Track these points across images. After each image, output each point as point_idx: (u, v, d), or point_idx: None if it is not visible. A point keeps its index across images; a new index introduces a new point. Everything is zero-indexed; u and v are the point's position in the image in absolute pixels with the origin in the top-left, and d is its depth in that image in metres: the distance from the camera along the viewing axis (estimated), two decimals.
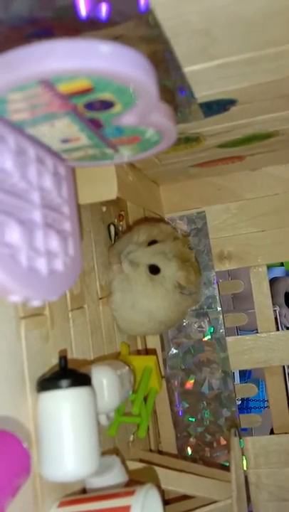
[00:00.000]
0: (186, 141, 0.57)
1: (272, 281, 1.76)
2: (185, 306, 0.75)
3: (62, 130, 0.32)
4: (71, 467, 0.44)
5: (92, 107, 0.29)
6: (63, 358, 0.48)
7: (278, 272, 1.94)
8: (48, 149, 0.36)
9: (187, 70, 0.39)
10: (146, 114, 0.30)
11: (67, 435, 0.44)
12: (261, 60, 0.39)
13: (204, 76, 0.41)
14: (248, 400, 1.59)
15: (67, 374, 0.47)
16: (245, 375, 1.66)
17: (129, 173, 0.64)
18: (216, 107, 0.49)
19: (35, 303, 0.33)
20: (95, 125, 0.32)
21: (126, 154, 0.39)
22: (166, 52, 0.35)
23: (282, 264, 1.96)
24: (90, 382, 0.48)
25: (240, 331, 1.36)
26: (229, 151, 0.67)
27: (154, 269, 0.69)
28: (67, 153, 0.38)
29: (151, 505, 0.46)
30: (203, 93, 0.45)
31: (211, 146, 0.64)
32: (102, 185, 0.56)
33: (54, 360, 0.51)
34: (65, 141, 0.35)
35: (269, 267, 0.88)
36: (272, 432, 1.06)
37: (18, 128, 0.31)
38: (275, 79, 0.44)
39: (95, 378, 0.53)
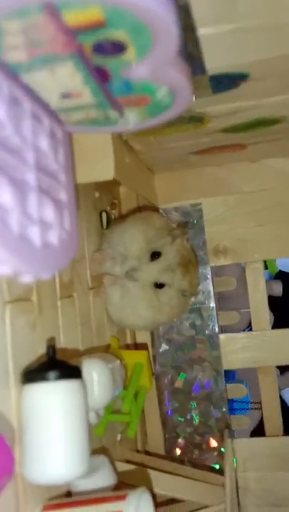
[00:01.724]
0: (190, 120, 0.53)
1: None
2: (187, 304, 0.75)
3: (63, 80, 0.28)
4: (59, 468, 0.40)
5: (101, 50, 0.25)
6: (51, 347, 0.44)
7: None
8: (45, 107, 0.32)
9: (202, 32, 0.36)
10: (161, 67, 0.26)
11: (55, 433, 0.40)
12: (282, 28, 0.36)
13: (218, 42, 0.37)
14: (232, 401, 1.56)
15: (55, 365, 0.42)
16: (229, 377, 1.63)
17: (126, 155, 0.60)
18: (226, 82, 0.45)
19: (26, 278, 0.29)
20: (102, 76, 0.28)
21: (132, 120, 0.35)
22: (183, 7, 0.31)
23: (266, 268, 1.94)
24: (81, 375, 0.44)
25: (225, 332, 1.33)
26: (232, 136, 0.64)
27: (160, 285, 0.66)
28: (67, 113, 0.34)
29: (144, 510, 0.42)
30: (214, 64, 0.41)
31: (214, 130, 0.60)
32: (98, 165, 0.53)
33: (41, 351, 0.47)
34: (65, 95, 0.31)
35: None
36: (252, 435, 1.03)
37: (12, 74, 0.27)
38: None
39: (84, 372, 0.49)
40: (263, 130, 0.62)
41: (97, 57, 0.26)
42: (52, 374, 0.41)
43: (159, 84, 0.29)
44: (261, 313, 0.84)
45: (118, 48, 0.25)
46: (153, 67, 0.26)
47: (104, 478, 0.50)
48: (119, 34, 0.24)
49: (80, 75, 0.28)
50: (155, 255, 0.66)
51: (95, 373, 0.50)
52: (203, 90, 0.47)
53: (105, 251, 0.68)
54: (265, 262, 1.95)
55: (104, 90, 0.30)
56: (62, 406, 0.41)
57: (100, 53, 0.25)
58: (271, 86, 0.48)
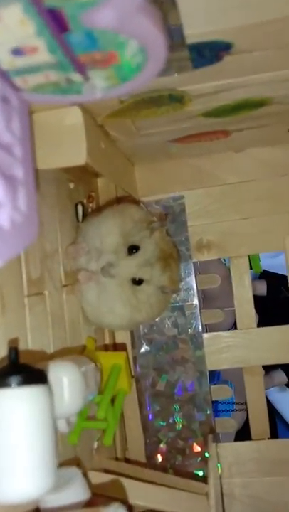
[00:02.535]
0: (170, 100, 0.49)
1: None
2: (167, 302, 0.71)
3: (12, 30, 0.23)
4: (22, 485, 0.36)
5: None
6: (14, 349, 0.39)
7: None
8: None
9: None
10: (130, 13, 0.22)
11: (16, 445, 0.36)
12: None
13: (198, 3, 0.33)
14: (216, 402, 1.53)
15: (18, 369, 0.38)
16: (214, 377, 1.59)
17: (101, 140, 0.56)
18: (207, 54, 0.41)
19: None
20: (59, 25, 0.23)
21: (99, 85, 0.30)
22: None
23: (250, 268, 1.91)
24: (47, 380, 0.39)
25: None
26: (215, 122, 0.60)
27: (139, 281, 0.62)
28: (22, 76, 0.29)
29: None
30: (195, 30, 0.37)
31: (195, 114, 0.56)
32: (69, 149, 0.48)
33: (3, 353, 0.42)
34: (17, 52, 0.26)
35: None
36: (237, 436, 1.00)
37: None
38: (283, 16, 0.36)
39: (54, 376, 0.44)
40: (248, 114, 0.58)
41: None
42: (13, 379, 0.36)
43: (127, 36, 0.24)
44: (246, 310, 0.80)
45: None
46: (119, 12, 0.22)
47: (76, 492, 0.45)
48: None
49: (31, 24, 0.23)
50: (133, 249, 0.61)
51: (65, 377, 0.46)
52: (183, 64, 0.42)
53: (80, 245, 0.63)
54: (249, 261, 1.93)
55: (63, 45, 0.25)
56: (25, 415, 0.36)
57: None
58: (257, 60, 0.44)
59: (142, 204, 0.80)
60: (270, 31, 0.39)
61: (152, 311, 0.65)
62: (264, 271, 1.88)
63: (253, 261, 1.95)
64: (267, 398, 1.61)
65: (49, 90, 0.31)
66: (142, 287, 0.62)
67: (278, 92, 0.52)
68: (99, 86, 0.30)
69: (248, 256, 0.81)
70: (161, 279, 0.62)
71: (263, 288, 1.74)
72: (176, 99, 0.49)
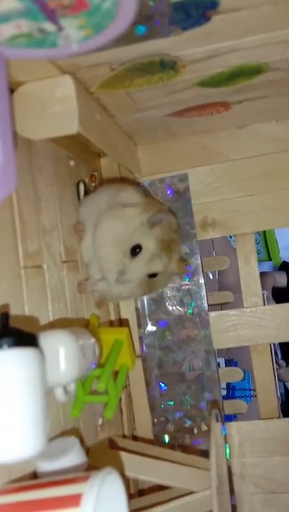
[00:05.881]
0: (162, 67, 0.48)
1: (260, 276, 1.71)
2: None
3: None
4: (7, 446, 0.36)
5: None
6: (4, 314, 0.39)
7: (266, 267, 1.87)
8: None
9: None
10: None
11: (6, 405, 0.36)
12: None
13: None
14: (233, 388, 1.52)
15: (8, 332, 0.38)
16: (230, 365, 1.59)
17: (97, 112, 0.56)
18: (194, 13, 0.40)
19: None
20: None
21: (73, 36, 0.30)
22: None
23: (269, 259, 1.90)
24: (37, 344, 0.39)
25: None
26: (212, 92, 0.59)
27: (154, 274, 0.64)
28: None
29: (110, 494, 0.38)
30: None
31: (191, 83, 0.55)
32: (60, 117, 0.48)
33: None
34: None
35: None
36: None
37: None
38: None
39: (50, 343, 0.45)
40: (245, 83, 0.57)
41: None
42: (2, 341, 0.37)
43: None
44: (253, 288, 0.79)
45: None
46: None
47: (72, 460, 0.45)
48: None
49: None
50: (136, 249, 0.61)
51: (62, 347, 0.46)
52: (172, 28, 0.42)
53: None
54: (268, 253, 1.90)
55: None
56: (14, 376, 0.36)
57: None
58: (247, 21, 0.43)
59: (141, 186, 0.78)
60: None
61: (161, 287, 0.71)
62: (284, 262, 1.85)
63: (272, 252, 1.93)
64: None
65: (24, 43, 0.30)
66: (157, 278, 0.64)
67: (272, 57, 0.51)
68: (74, 37, 0.30)
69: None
70: (171, 266, 0.64)
71: (283, 279, 1.72)
72: (169, 65, 0.49)
